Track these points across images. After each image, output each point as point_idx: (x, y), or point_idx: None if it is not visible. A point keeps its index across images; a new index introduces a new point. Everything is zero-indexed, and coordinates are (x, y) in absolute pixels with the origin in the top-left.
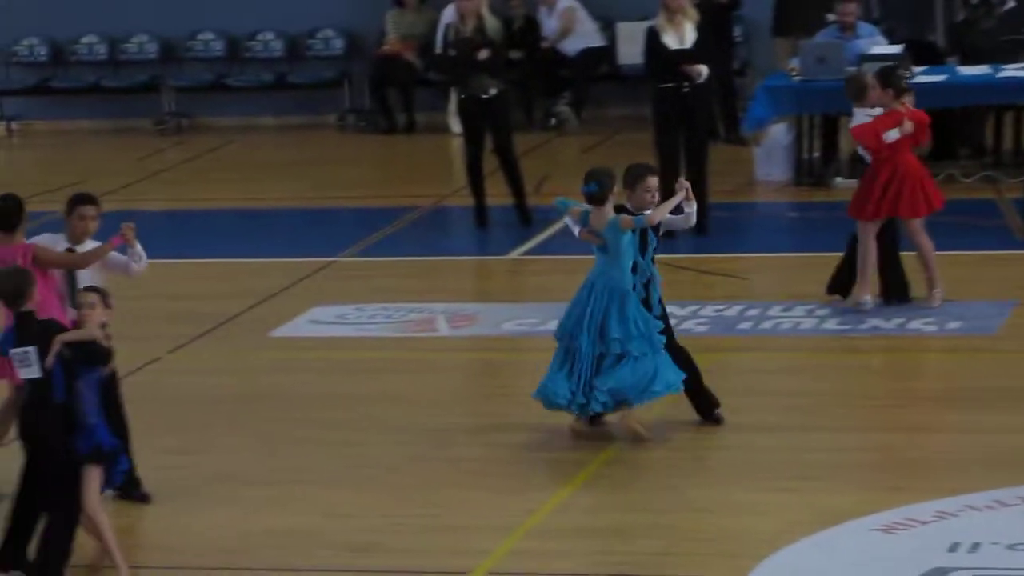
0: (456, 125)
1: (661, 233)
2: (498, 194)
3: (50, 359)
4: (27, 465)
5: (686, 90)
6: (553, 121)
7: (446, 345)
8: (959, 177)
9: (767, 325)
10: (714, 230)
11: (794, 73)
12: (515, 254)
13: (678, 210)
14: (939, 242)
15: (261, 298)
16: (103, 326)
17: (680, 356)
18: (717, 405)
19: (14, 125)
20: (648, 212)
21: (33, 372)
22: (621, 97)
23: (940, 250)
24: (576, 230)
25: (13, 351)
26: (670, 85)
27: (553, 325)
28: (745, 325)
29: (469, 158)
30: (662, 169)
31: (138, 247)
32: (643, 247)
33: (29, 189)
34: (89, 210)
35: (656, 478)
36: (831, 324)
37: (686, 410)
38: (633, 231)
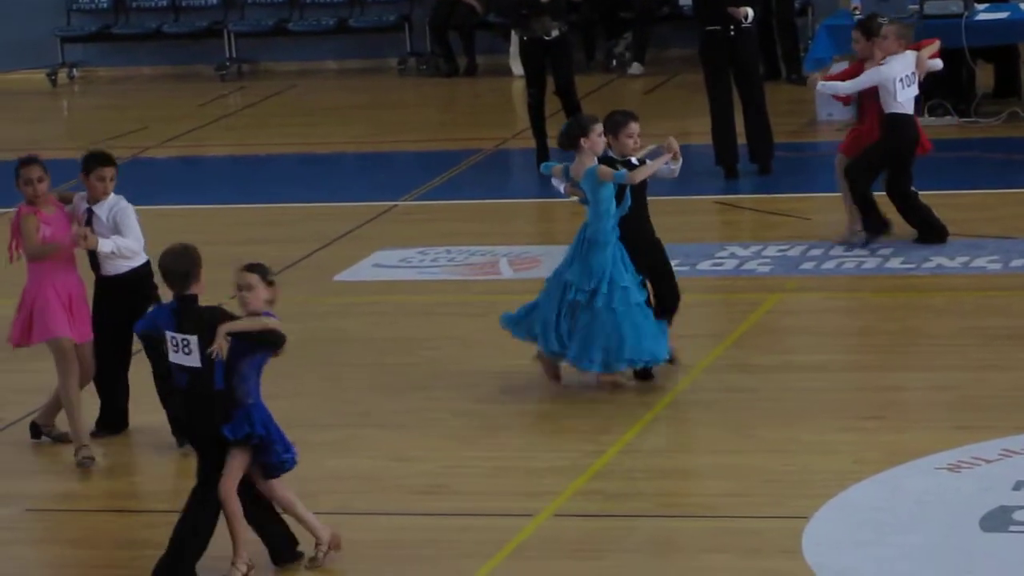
0: (518, 67)
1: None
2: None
3: (215, 349)
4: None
5: (732, 33)
6: (615, 63)
7: (509, 288)
8: (1023, 115)
9: (830, 265)
10: (776, 170)
11: (856, 12)
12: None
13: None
14: (1003, 179)
15: (324, 242)
16: (270, 303)
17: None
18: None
19: (76, 72)
20: (632, 171)
21: (193, 361)
22: (682, 38)
23: (1005, 187)
24: (562, 187)
25: (172, 335)
26: (717, 28)
27: None
28: (808, 265)
29: (531, 100)
30: (715, 114)
31: (102, 248)
32: (618, 203)
33: (92, 136)
34: (107, 171)
35: (722, 419)
36: (894, 263)
37: (749, 352)
38: (615, 184)
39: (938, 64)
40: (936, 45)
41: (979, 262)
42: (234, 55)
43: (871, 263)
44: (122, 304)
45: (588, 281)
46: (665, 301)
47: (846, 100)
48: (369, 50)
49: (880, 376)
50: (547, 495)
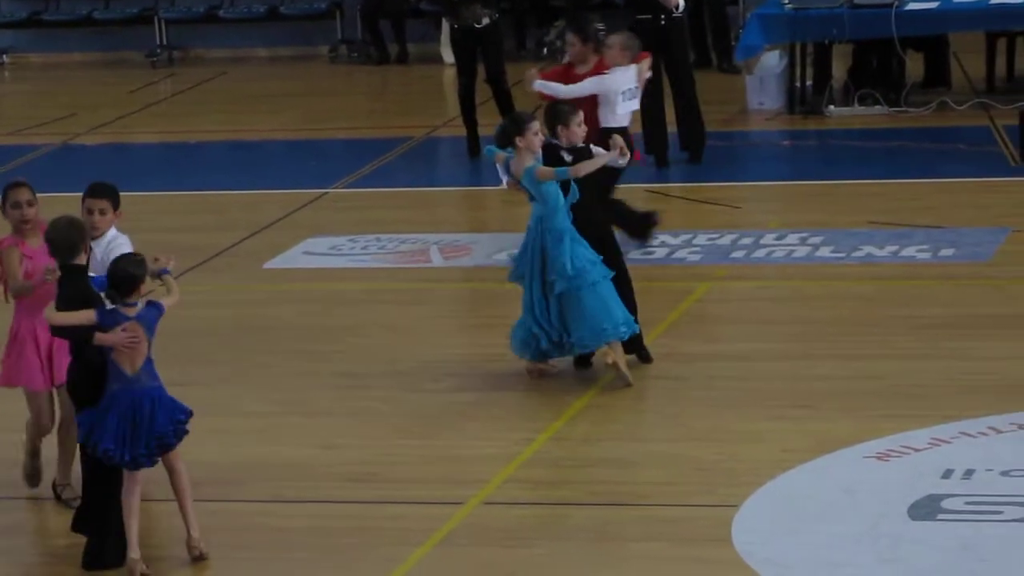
0: (448, 55)
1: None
2: (491, 124)
3: None
4: None
5: (663, 22)
6: (546, 51)
7: (439, 276)
8: (952, 104)
9: (760, 253)
10: (707, 159)
11: (787, 2)
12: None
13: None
14: (932, 169)
15: (254, 230)
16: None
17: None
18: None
19: (6, 58)
20: (575, 166)
21: None
22: (613, 26)
23: (934, 177)
24: (504, 180)
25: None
26: (648, 16)
27: None
28: (738, 254)
29: (461, 88)
30: (645, 103)
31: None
32: (566, 193)
33: (21, 122)
34: (97, 203)
35: (653, 408)
36: (824, 252)
37: (679, 341)
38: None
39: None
40: (649, 60)
41: (908, 251)
42: (165, 42)
43: (801, 252)
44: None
45: (564, 271)
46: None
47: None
48: (300, 38)
49: (809, 365)
50: (476, 483)
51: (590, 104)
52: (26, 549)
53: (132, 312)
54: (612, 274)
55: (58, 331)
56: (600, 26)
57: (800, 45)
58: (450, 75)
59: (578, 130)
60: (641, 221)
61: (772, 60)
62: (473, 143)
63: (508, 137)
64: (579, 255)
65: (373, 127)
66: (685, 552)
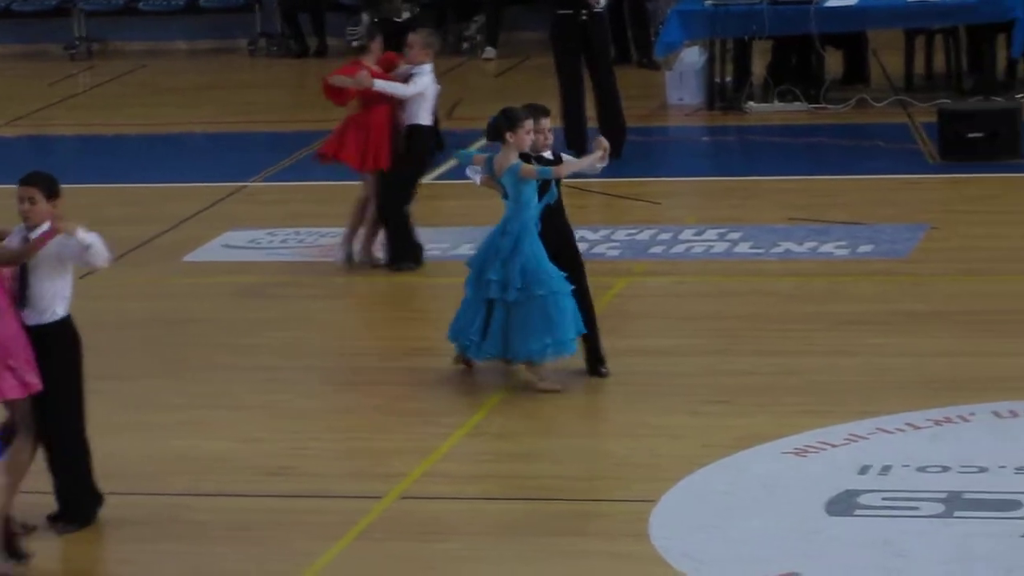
0: None
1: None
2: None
3: None
4: None
5: (584, 17)
6: (466, 45)
7: (359, 270)
8: (871, 101)
9: (679, 249)
10: (626, 154)
11: None
12: (428, 179)
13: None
14: (851, 165)
15: (174, 223)
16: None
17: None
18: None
19: None
20: (557, 167)
21: None
22: (534, 21)
23: (853, 173)
24: (477, 179)
25: None
26: (569, 11)
27: (466, 249)
28: (657, 249)
29: None
30: (565, 98)
31: (81, 236)
32: (542, 195)
33: None
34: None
35: (571, 402)
36: (743, 248)
37: (602, 336)
38: (539, 181)
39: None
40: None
41: (827, 248)
42: (83, 34)
43: (720, 248)
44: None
45: (519, 277)
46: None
47: (343, 101)
48: (219, 30)
49: (728, 361)
50: (394, 477)
51: (396, 102)
52: None
53: None
54: (571, 288)
55: None
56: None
57: (720, 41)
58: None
59: (527, 137)
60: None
61: (692, 56)
62: None
63: (498, 131)
64: (537, 264)
65: (292, 120)
66: (602, 547)
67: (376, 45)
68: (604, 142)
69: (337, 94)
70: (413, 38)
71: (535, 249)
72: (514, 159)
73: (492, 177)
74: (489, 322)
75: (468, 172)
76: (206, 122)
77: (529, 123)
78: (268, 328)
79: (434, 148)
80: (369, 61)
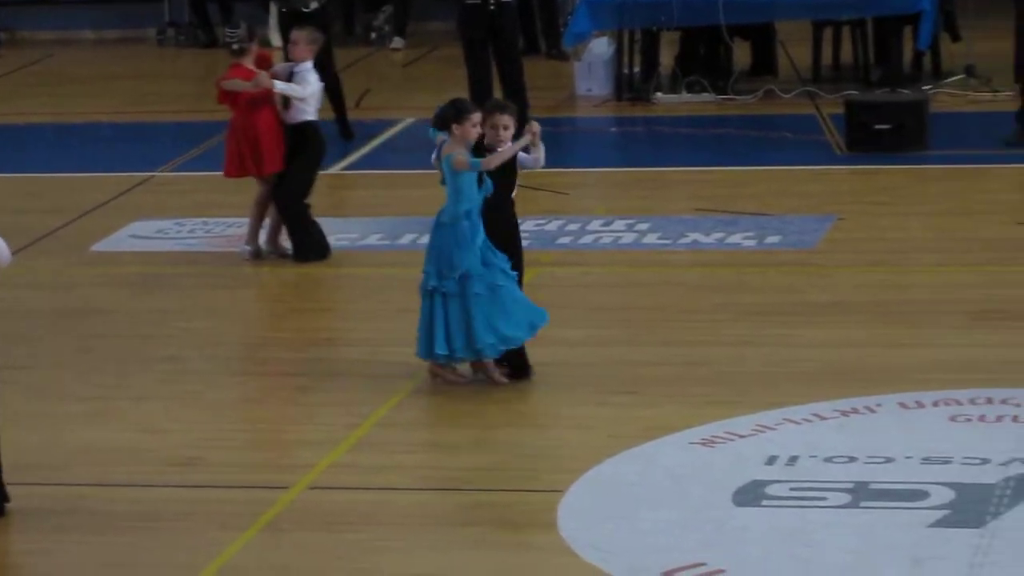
0: (277, 39)
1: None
2: (321, 109)
3: None
4: None
5: (492, 8)
6: (374, 35)
7: (267, 260)
8: (779, 92)
9: (587, 240)
10: None
11: None
12: (336, 169)
13: (526, 150)
14: (759, 156)
15: (81, 213)
16: None
17: None
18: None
19: None
20: (486, 158)
21: None
22: (442, 11)
23: (761, 164)
24: (433, 157)
25: None
26: (477, 1)
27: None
28: (565, 240)
29: None
30: (473, 88)
31: None
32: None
33: None
34: None
35: (479, 393)
36: (651, 239)
37: None
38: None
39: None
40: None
41: (734, 238)
42: None
43: (628, 238)
44: None
45: (452, 269)
46: None
47: (236, 104)
48: (127, 20)
49: (635, 351)
50: (302, 468)
51: (277, 102)
52: None
53: None
54: (513, 278)
55: None
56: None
57: (628, 32)
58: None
59: (473, 131)
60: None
61: (600, 47)
62: None
63: (445, 121)
64: (464, 257)
65: (200, 110)
66: (510, 537)
67: (255, 47)
68: (534, 126)
69: (231, 97)
70: (297, 35)
71: (468, 240)
72: (456, 150)
73: (438, 160)
74: (448, 322)
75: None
76: (114, 112)
77: (477, 116)
78: (175, 318)
79: (324, 143)
80: (247, 63)
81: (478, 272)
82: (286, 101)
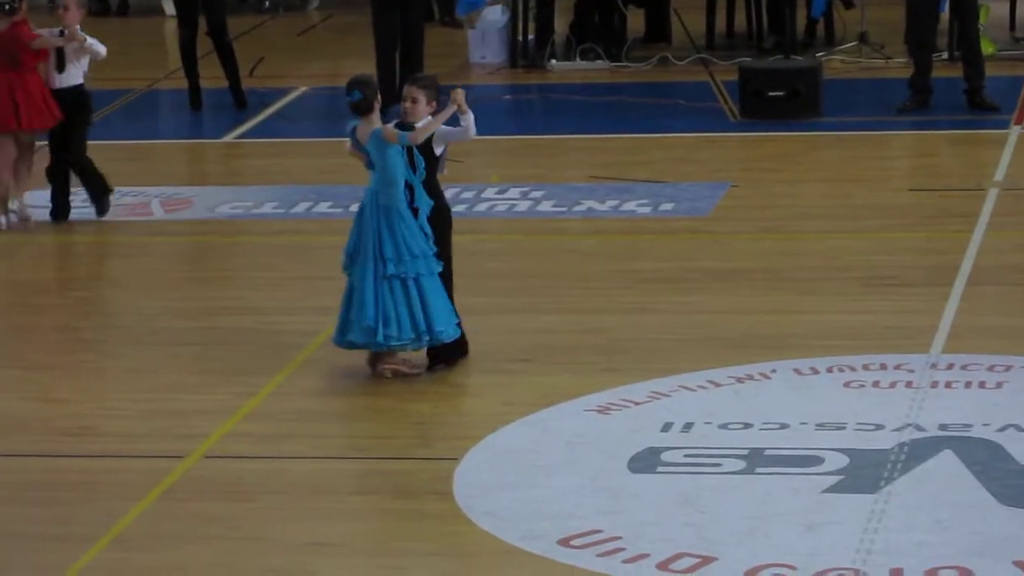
0: (170, 7)
1: (440, 152)
2: (212, 77)
3: None
4: None
5: None
6: (267, 4)
7: (161, 229)
8: (673, 60)
9: (482, 207)
10: None
11: None
12: (230, 137)
13: (453, 122)
14: (653, 124)
15: None
16: None
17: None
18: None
19: None
20: (413, 130)
21: None
22: None
23: (655, 132)
24: (347, 145)
25: None
26: None
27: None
28: (460, 208)
29: (183, 41)
30: (379, 52)
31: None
32: (411, 166)
33: None
34: None
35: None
36: (546, 206)
37: None
38: (402, 146)
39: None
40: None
41: (629, 206)
42: None
43: (523, 206)
44: None
45: (401, 254)
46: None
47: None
48: None
49: (529, 319)
50: (197, 437)
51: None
52: None
53: None
54: (440, 269)
55: None
56: None
57: None
58: (171, 27)
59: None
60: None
61: (494, 14)
62: (195, 96)
63: (368, 102)
64: (412, 239)
65: (93, 79)
66: (404, 505)
67: (24, 7)
68: (459, 93)
69: (29, 55)
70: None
71: (409, 223)
72: (376, 125)
73: (355, 145)
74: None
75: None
76: None
77: (405, 90)
78: (69, 287)
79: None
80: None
81: (430, 253)
82: (61, 64)
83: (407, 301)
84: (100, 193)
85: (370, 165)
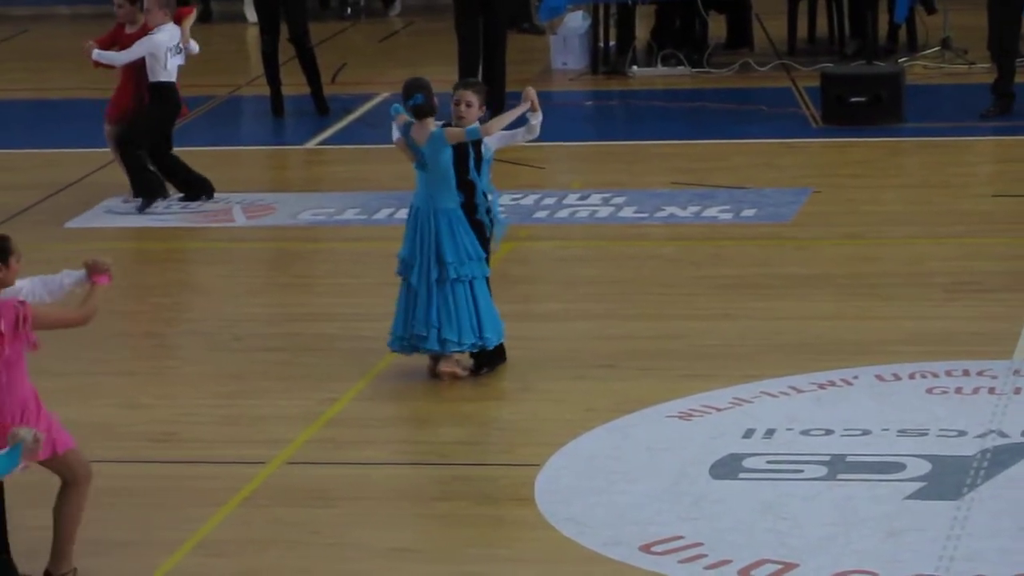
0: (252, 14)
1: (496, 147)
2: (294, 84)
3: None
4: None
5: None
6: (349, 10)
7: (243, 235)
8: (754, 65)
9: (563, 214)
10: None
11: None
12: (312, 144)
13: (520, 121)
14: (734, 130)
15: (56, 189)
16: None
17: None
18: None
19: None
20: (484, 124)
21: None
22: None
23: (736, 138)
24: (395, 135)
25: None
26: None
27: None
28: (542, 214)
29: (265, 47)
30: (462, 58)
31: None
32: (477, 162)
33: None
34: None
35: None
36: (627, 212)
37: None
38: (461, 144)
39: (194, 47)
40: (193, 16)
41: (710, 212)
42: None
43: (604, 212)
44: None
45: (461, 257)
46: None
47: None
48: None
49: (612, 325)
50: (278, 443)
51: (139, 63)
52: None
53: None
54: (488, 273)
55: None
56: None
57: (604, 5)
58: (254, 34)
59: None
60: (155, 184)
61: (576, 20)
62: (276, 102)
63: (429, 105)
64: (470, 241)
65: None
66: (487, 511)
67: (124, 7)
68: (532, 92)
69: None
70: (150, 1)
71: (467, 229)
72: (433, 127)
73: (406, 142)
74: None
75: (394, 127)
76: (89, 88)
77: (457, 95)
78: (152, 294)
79: (177, 105)
80: (132, 24)
81: (483, 255)
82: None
83: (466, 305)
84: (142, 189)
85: (422, 166)
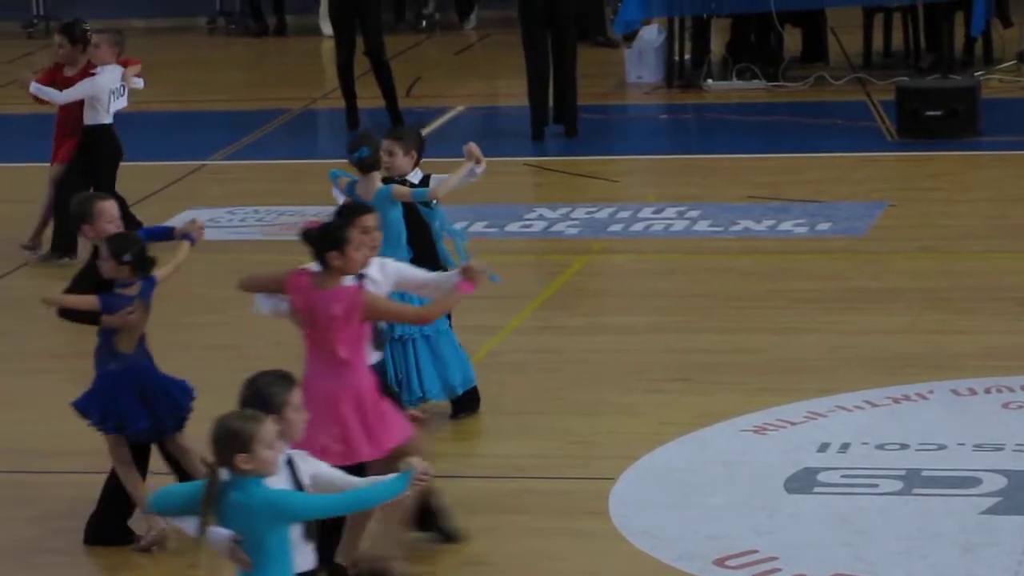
0: (327, 27)
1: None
2: (370, 96)
3: None
4: None
5: None
6: (424, 23)
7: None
8: (829, 79)
9: (638, 227)
10: (584, 132)
11: None
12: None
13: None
14: (810, 143)
15: (132, 202)
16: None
17: None
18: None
19: None
20: (432, 187)
21: None
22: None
23: (811, 151)
24: (340, 199)
25: None
26: None
27: None
28: (616, 227)
29: (340, 60)
30: (530, 72)
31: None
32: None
33: None
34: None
35: (529, 381)
36: (702, 226)
37: (557, 314)
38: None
39: (140, 83)
40: (138, 67)
41: (785, 225)
42: (41, 12)
43: (679, 226)
44: None
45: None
46: None
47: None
48: (178, 8)
49: (686, 338)
50: None
51: (78, 105)
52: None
53: (133, 291)
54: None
55: (63, 314)
56: (87, 27)
57: (679, 19)
58: (329, 47)
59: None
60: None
61: (651, 34)
62: (352, 115)
63: (374, 159)
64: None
65: (251, 99)
66: (560, 525)
67: (65, 48)
68: (475, 150)
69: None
70: (100, 38)
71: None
72: (379, 183)
73: (353, 201)
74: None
75: (335, 193)
76: (165, 101)
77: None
78: (231, 306)
79: (116, 149)
80: (72, 67)
81: None
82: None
83: (416, 359)
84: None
85: None
